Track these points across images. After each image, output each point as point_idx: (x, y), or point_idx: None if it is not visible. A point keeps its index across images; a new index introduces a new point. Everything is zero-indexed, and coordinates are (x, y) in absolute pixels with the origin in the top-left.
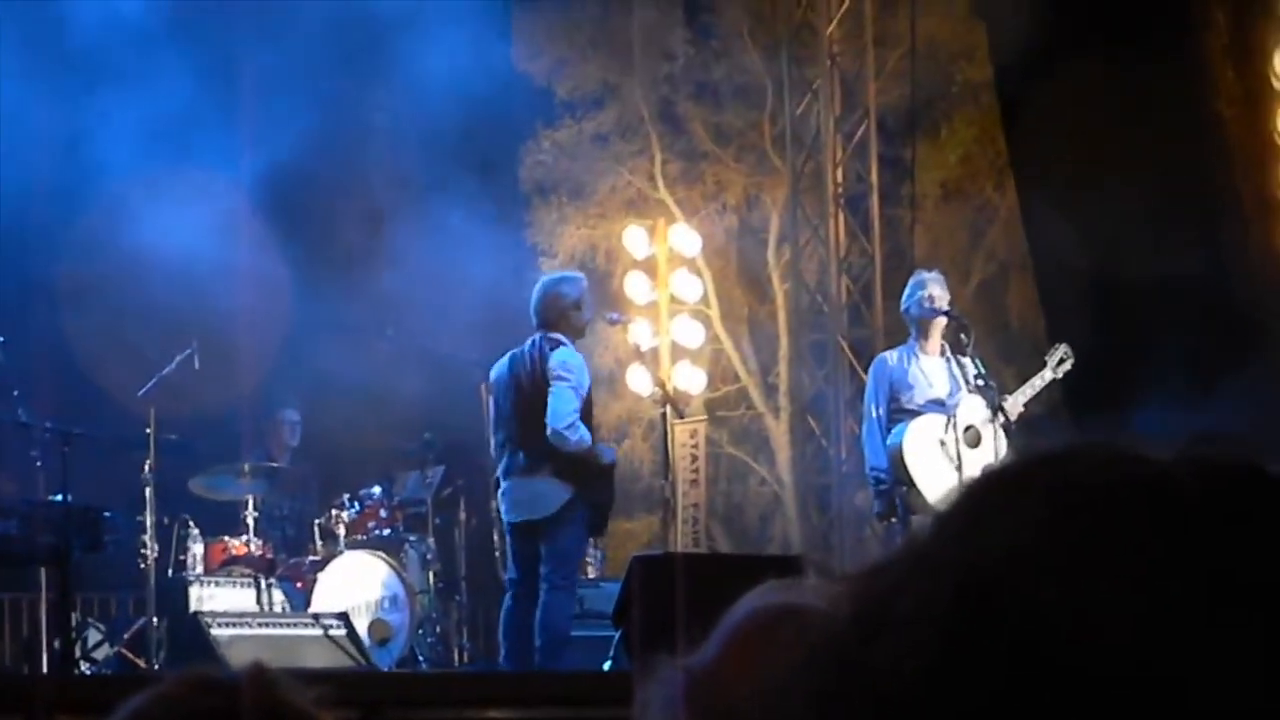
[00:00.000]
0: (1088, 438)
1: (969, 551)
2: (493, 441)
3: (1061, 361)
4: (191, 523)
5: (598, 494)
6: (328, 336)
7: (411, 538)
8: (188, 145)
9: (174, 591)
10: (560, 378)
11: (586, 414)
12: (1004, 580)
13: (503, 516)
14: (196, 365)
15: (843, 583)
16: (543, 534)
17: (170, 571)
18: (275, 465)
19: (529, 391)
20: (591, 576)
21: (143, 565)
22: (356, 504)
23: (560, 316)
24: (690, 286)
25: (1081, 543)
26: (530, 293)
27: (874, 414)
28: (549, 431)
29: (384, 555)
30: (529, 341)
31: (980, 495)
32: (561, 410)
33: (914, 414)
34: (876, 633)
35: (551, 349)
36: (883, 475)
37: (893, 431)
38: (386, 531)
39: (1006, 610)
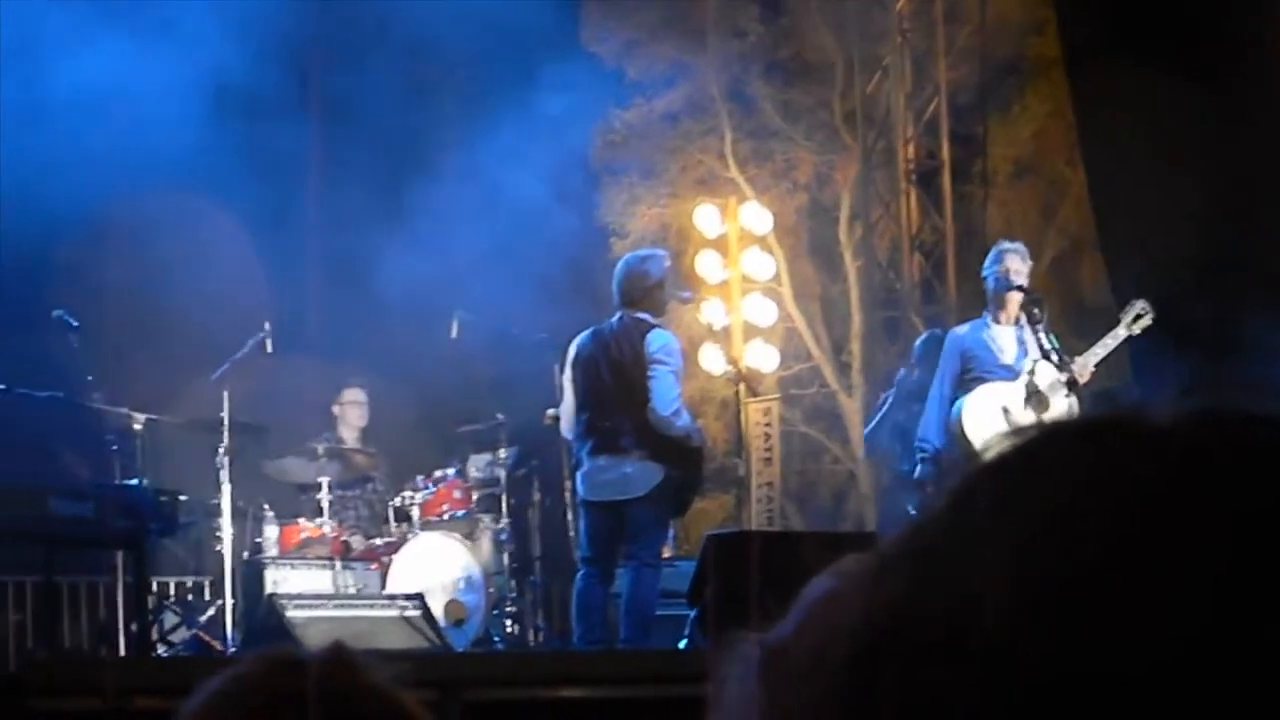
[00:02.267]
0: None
1: (1009, 517)
2: (572, 421)
3: (1138, 318)
4: (266, 505)
5: (689, 475)
6: (398, 317)
7: (486, 518)
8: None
9: (249, 574)
10: (661, 362)
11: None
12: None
13: (582, 496)
14: (269, 348)
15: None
16: (630, 514)
17: (245, 554)
18: (346, 447)
19: (620, 371)
20: (666, 556)
21: (218, 548)
22: (430, 485)
23: (645, 294)
24: (762, 264)
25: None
26: (606, 273)
27: (940, 389)
28: (655, 417)
29: (458, 536)
30: (614, 318)
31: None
32: (668, 396)
33: (983, 381)
34: (922, 595)
35: (646, 331)
36: (927, 447)
37: (954, 406)
38: (461, 513)
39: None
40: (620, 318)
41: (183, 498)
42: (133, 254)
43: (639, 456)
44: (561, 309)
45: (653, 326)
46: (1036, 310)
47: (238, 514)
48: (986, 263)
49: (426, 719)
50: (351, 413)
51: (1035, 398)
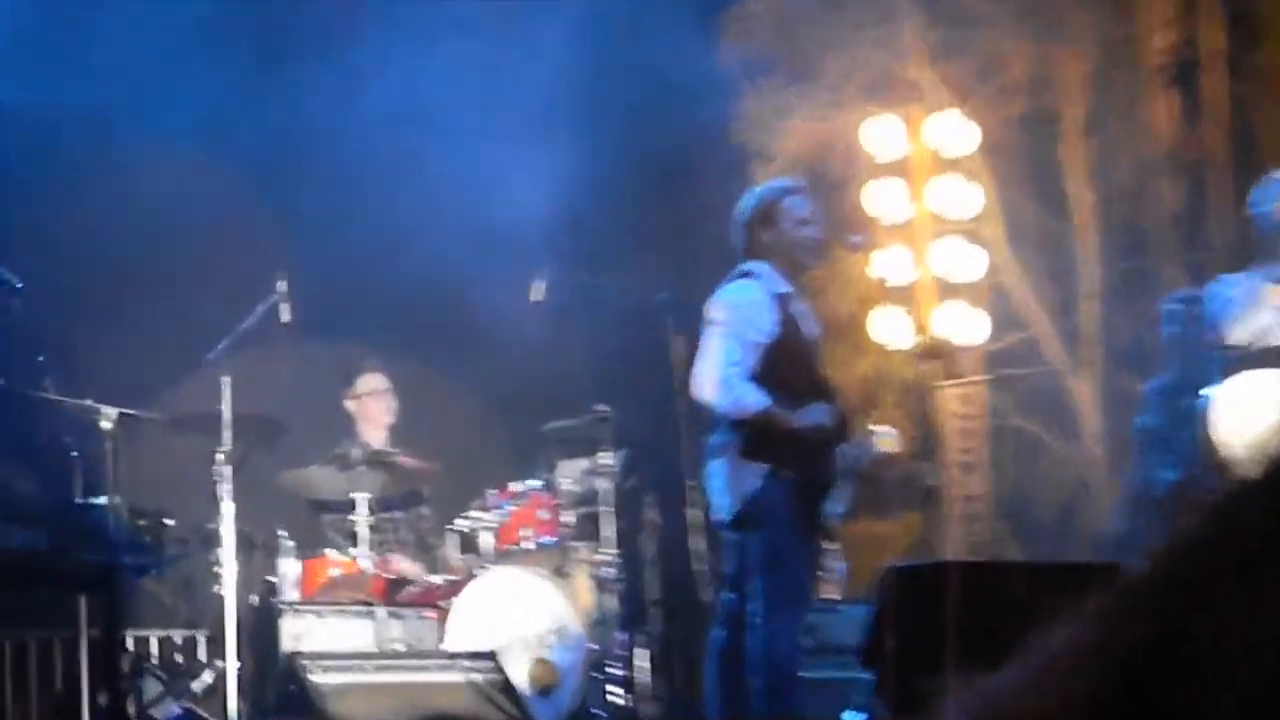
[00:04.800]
0: None
1: None
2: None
3: None
4: (283, 532)
5: (802, 470)
6: (457, 273)
7: (582, 548)
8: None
9: (260, 625)
10: (710, 322)
11: (776, 368)
12: None
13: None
14: (285, 316)
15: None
16: (747, 536)
17: (255, 598)
18: (392, 453)
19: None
20: (829, 597)
21: (217, 590)
22: (506, 503)
23: (750, 240)
24: (959, 198)
25: None
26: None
27: (1187, 372)
28: (695, 396)
29: (545, 572)
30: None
31: None
32: (703, 367)
33: (1251, 364)
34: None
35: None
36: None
37: (1205, 395)
38: (548, 539)
39: None
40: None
41: (168, 522)
42: (97, 190)
43: (733, 453)
44: (688, 260)
45: (735, 277)
46: None
47: (244, 543)
48: (1254, 198)
49: None
50: (372, 408)
51: None
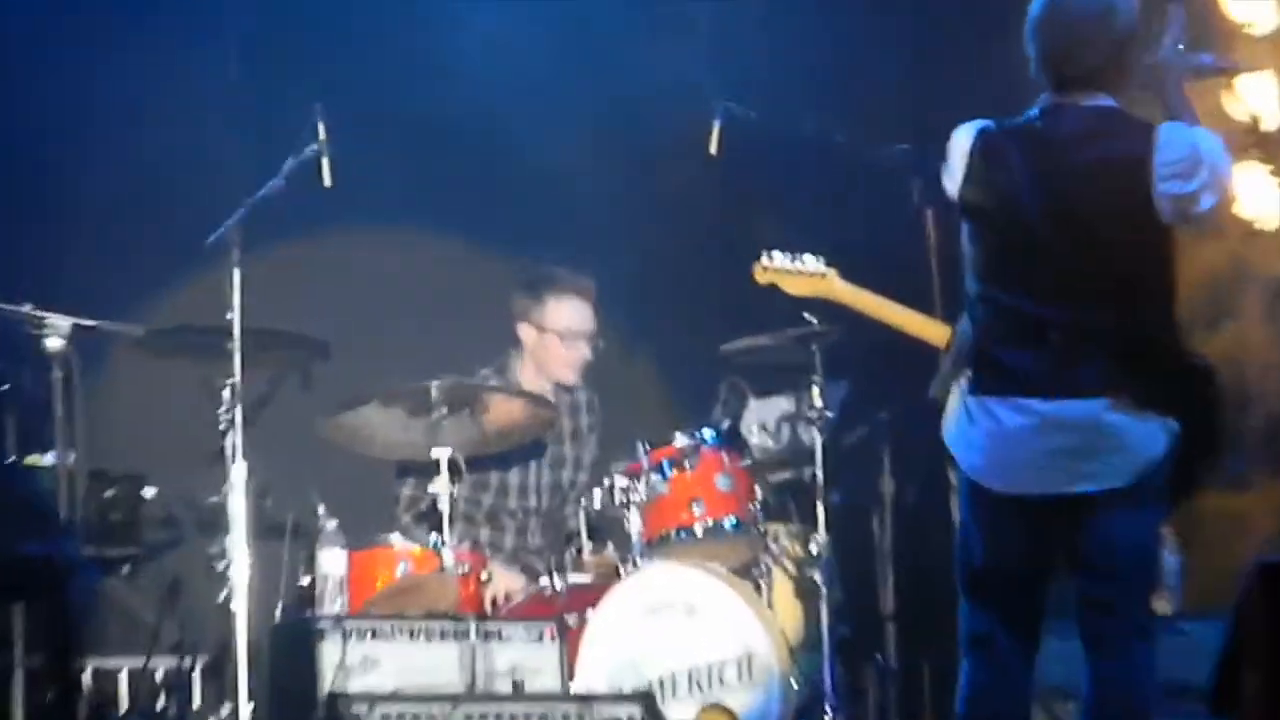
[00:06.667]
0: None
1: None
2: (965, 316)
3: None
4: (322, 509)
5: (1204, 430)
6: (592, 116)
7: (782, 531)
8: None
9: (288, 651)
10: (1178, 177)
11: None
12: None
13: (984, 482)
14: (327, 179)
15: None
16: (1100, 522)
17: (280, 609)
18: (501, 388)
19: (1070, 217)
20: (1162, 612)
21: (224, 596)
22: (665, 465)
23: (1110, 59)
24: None
25: None
26: (1016, 27)
27: None
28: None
29: (723, 571)
30: (1040, 107)
31: None
32: None
33: None
34: None
35: (1138, 133)
36: None
37: None
38: (729, 521)
39: None
40: (1052, 108)
41: (147, 493)
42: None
43: (1124, 400)
44: (918, 99)
45: (1134, 121)
46: None
47: (265, 526)
48: None
49: None
50: (557, 347)
51: None
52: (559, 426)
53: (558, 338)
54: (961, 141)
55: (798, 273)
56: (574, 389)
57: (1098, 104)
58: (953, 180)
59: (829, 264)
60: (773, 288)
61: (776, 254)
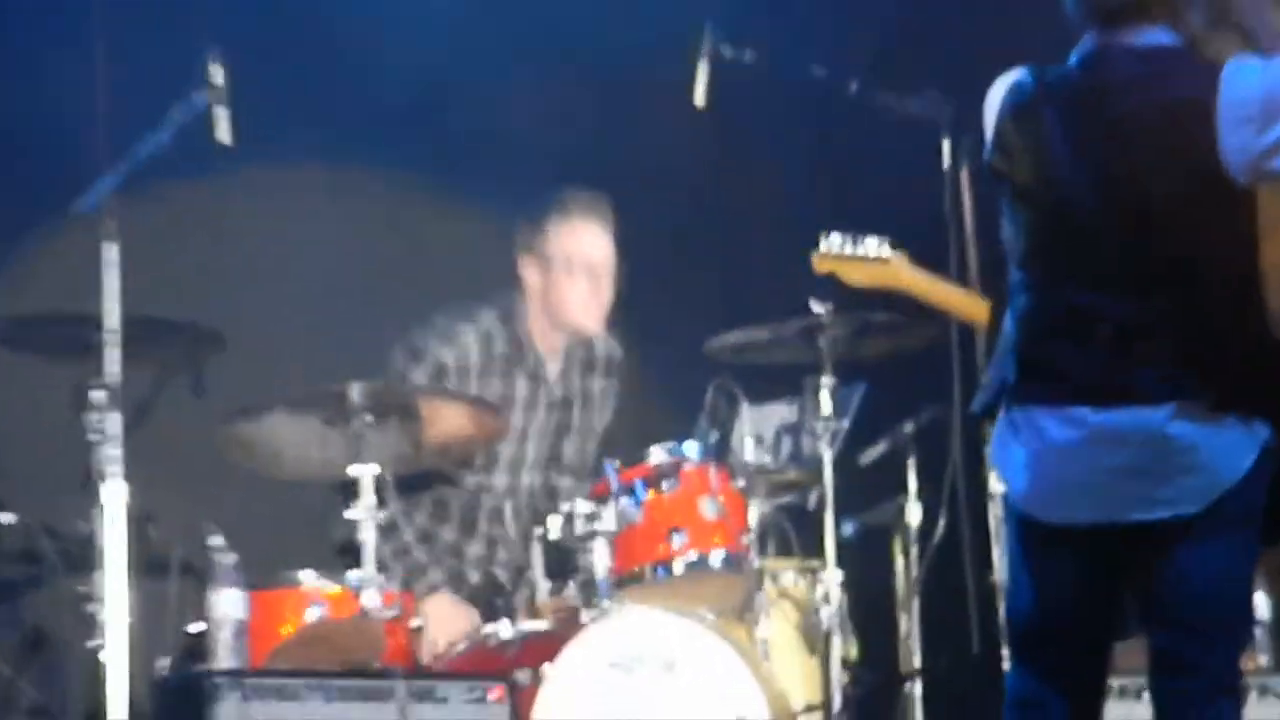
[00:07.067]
0: None
1: None
2: (1009, 317)
3: None
4: (218, 539)
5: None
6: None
7: (783, 570)
8: None
9: (177, 710)
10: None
11: None
12: None
13: (1023, 508)
14: (223, 134)
15: None
16: (1177, 559)
17: (165, 663)
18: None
19: (1124, 180)
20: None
21: (96, 646)
22: (638, 486)
23: None
24: None
25: None
26: None
27: None
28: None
29: (711, 618)
30: (1075, 55)
31: None
32: None
33: None
34: None
35: (1201, 75)
36: None
37: None
38: (715, 555)
39: None
40: (1095, 53)
41: (3, 519)
42: None
43: (1193, 407)
44: (957, 40)
45: (1210, 64)
46: None
47: (146, 560)
48: None
49: None
50: (566, 285)
51: None
52: (552, 391)
53: (566, 273)
54: (993, 98)
55: (861, 259)
56: (592, 343)
57: (1152, 42)
58: (985, 146)
59: (893, 246)
60: (830, 276)
61: (835, 236)
